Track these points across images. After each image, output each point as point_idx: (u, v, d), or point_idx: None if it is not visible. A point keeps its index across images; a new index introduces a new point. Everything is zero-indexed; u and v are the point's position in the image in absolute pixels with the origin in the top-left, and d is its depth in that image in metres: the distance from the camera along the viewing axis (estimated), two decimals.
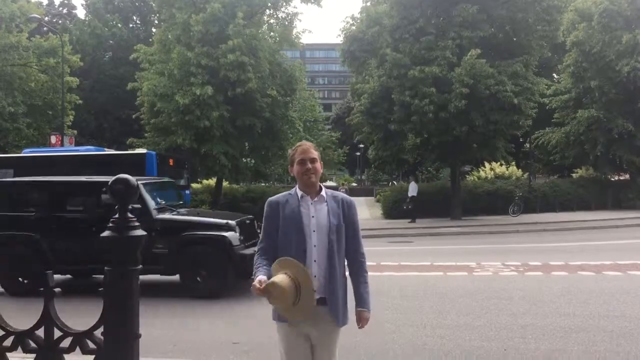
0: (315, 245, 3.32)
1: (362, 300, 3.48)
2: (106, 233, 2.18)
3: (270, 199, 3.50)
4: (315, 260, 3.31)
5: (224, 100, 23.67)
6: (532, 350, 6.13)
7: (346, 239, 3.44)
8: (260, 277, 3.15)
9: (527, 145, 33.15)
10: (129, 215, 2.21)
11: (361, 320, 3.50)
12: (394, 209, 28.02)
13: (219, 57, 23.28)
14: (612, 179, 32.84)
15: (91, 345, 2.22)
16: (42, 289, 2.27)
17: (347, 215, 3.45)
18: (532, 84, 23.90)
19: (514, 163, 33.47)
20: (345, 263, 3.50)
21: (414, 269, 11.75)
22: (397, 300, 8.75)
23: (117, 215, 2.20)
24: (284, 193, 3.52)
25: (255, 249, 3.47)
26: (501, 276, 10.64)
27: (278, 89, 25.30)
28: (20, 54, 30.52)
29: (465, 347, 6.25)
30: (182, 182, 21.90)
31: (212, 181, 29.30)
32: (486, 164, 31.49)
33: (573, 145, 30.99)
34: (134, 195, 2.20)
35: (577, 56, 30.09)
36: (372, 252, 13.35)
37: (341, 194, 3.58)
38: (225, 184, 29.10)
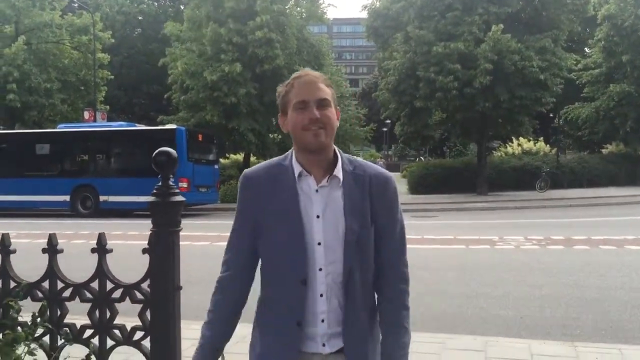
0: (320, 269, 1.90)
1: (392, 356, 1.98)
2: (151, 198, 2.50)
3: (247, 172, 2.05)
4: (321, 295, 1.91)
5: (251, 77, 24.01)
6: (547, 318, 6.38)
7: (379, 249, 1.98)
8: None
9: (556, 121, 32.90)
10: (171, 183, 2.52)
11: None
12: (420, 184, 28.20)
13: (247, 34, 23.55)
14: None
15: (139, 295, 2.54)
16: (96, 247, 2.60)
17: (380, 207, 1.97)
18: (560, 59, 23.74)
19: (541, 139, 33.29)
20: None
21: (436, 242, 12.01)
22: (418, 271, 9.00)
23: (160, 184, 2.51)
24: (271, 162, 2.05)
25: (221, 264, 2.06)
26: (522, 249, 10.85)
27: (305, 64, 25.51)
28: (53, 32, 31.13)
29: (483, 315, 6.52)
30: (211, 157, 22.39)
31: (239, 156, 29.78)
32: (513, 140, 31.39)
33: (603, 120, 30.72)
34: (175, 166, 2.51)
35: (609, 30, 29.65)
36: None
37: (370, 167, 2.02)
38: (252, 159, 29.56)
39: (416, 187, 28.50)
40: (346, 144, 31.50)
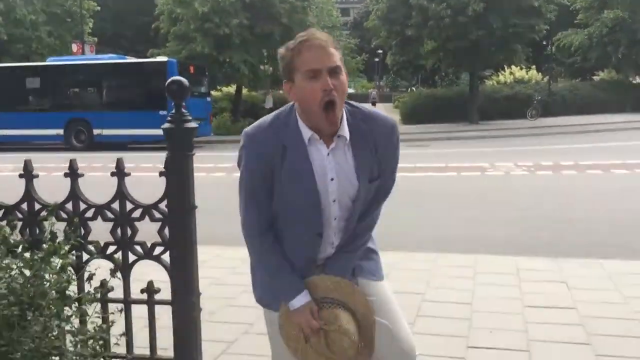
0: (335, 218, 2.02)
1: (335, 268, 2.07)
2: (166, 125, 2.68)
3: (250, 132, 1.99)
4: (335, 234, 2.06)
5: (242, 7, 23.63)
6: (533, 238, 6.70)
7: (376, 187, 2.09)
8: (307, 301, 1.98)
9: (549, 48, 32.73)
10: (184, 110, 2.69)
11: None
12: (412, 115, 28.31)
13: None
14: (634, 82, 32.55)
15: (157, 215, 2.76)
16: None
17: (386, 156, 2.05)
18: None
19: (534, 67, 33.22)
20: None
21: (428, 170, 12.28)
22: (411, 197, 9.29)
23: (174, 111, 2.68)
24: (270, 119, 2.00)
25: (244, 223, 2.05)
26: (512, 175, 11.16)
27: None
28: None
29: (473, 237, 6.84)
30: (203, 90, 22.32)
31: (231, 88, 29.64)
32: (506, 69, 31.32)
33: (595, 47, 30.61)
34: (187, 93, 2.67)
35: None
36: None
37: (373, 118, 2.03)
38: (244, 91, 29.43)
39: (408, 118, 28.62)
40: None
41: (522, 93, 28.06)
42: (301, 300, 1.97)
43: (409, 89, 60.73)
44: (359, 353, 2.02)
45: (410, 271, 5.33)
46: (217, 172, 12.19)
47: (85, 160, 14.30)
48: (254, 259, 2.10)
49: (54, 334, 1.99)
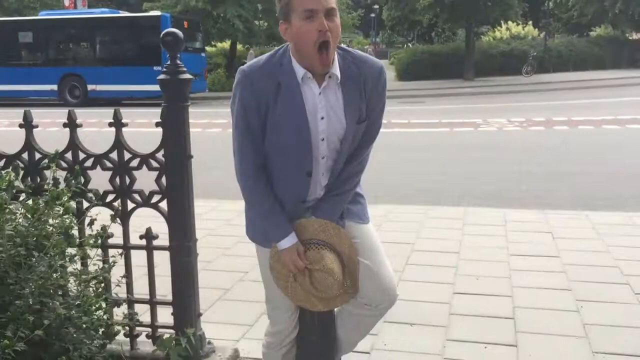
0: (323, 157, 2.11)
1: (323, 209, 2.17)
2: (161, 76, 2.75)
3: (246, 70, 2.05)
4: (323, 174, 2.14)
5: None
6: (523, 191, 6.85)
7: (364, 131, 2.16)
8: (295, 242, 2.10)
9: (546, 3, 32.39)
10: (178, 62, 2.76)
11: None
12: (408, 71, 28.18)
13: None
14: (630, 38, 32.37)
15: (154, 164, 2.85)
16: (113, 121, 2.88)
17: (373, 97, 2.11)
18: None
19: (530, 23, 32.93)
20: None
21: (422, 126, 12.36)
22: (403, 152, 9.43)
23: (169, 62, 2.75)
24: (266, 58, 2.08)
25: (239, 162, 2.11)
26: (505, 131, 11.26)
27: None
28: None
29: (463, 190, 6.98)
30: (197, 45, 22.12)
31: (226, 44, 29.35)
32: (502, 25, 31.05)
33: (593, 2, 30.31)
34: (181, 45, 2.74)
35: None
36: None
37: (362, 60, 2.10)
38: (239, 46, 29.15)
39: (404, 74, 28.49)
40: None
41: (518, 49, 27.91)
42: (289, 241, 2.08)
43: (405, 46, 60.30)
44: (344, 292, 2.16)
45: (401, 223, 5.48)
46: (213, 128, 12.24)
47: (80, 116, 14.28)
48: (247, 200, 2.18)
49: (59, 273, 2.11)
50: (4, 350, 1.66)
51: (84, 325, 2.02)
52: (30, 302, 1.87)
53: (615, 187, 6.87)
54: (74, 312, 2.02)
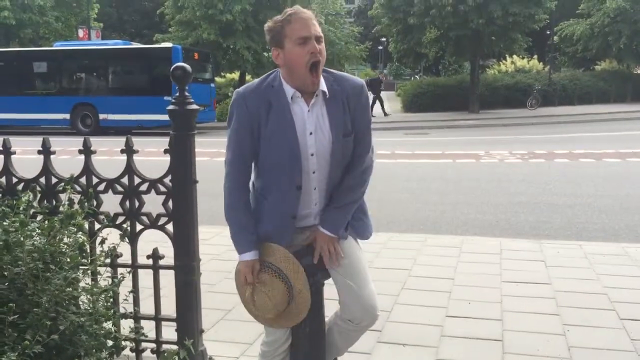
0: (314, 172, 2.30)
1: (328, 221, 2.39)
2: (170, 107, 2.98)
3: (240, 91, 2.34)
4: (315, 188, 2.34)
5: None
6: (521, 221, 7.01)
7: (354, 145, 2.37)
8: (253, 259, 2.36)
9: (552, 38, 32.81)
10: (186, 94, 2.99)
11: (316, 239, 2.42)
12: (414, 103, 28.53)
13: None
14: (634, 72, 32.68)
15: (162, 188, 3.06)
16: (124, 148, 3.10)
17: (356, 113, 2.33)
18: None
19: (535, 57, 33.34)
20: None
21: (425, 157, 12.57)
22: (406, 182, 9.63)
23: (177, 94, 2.98)
24: (258, 81, 2.35)
25: (228, 173, 2.38)
26: (506, 163, 11.45)
27: None
28: None
29: (462, 219, 7.16)
30: (207, 76, 22.56)
31: (235, 75, 29.86)
32: (507, 58, 31.45)
33: (597, 37, 30.68)
34: (189, 78, 2.97)
35: None
36: (387, 142, 14.21)
37: (344, 79, 2.36)
38: (248, 77, 29.65)
39: (410, 106, 28.83)
40: (341, 62, 31.48)
41: (523, 82, 28.25)
42: (249, 256, 2.36)
43: (412, 78, 60.94)
44: (282, 318, 2.39)
45: (400, 250, 5.65)
46: (221, 157, 12.32)
47: (92, 144, 14.61)
48: (228, 210, 2.40)
49: (73, 285, 2.31)
50: (24, 350, 1.85)
51: (96, 333, 2.20)
52: (47, 310, 2.07)
53: (611, 218, 7.02)
54: (85, 319, 2.21)
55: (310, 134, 2.27)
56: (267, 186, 2.38)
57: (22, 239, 2.19)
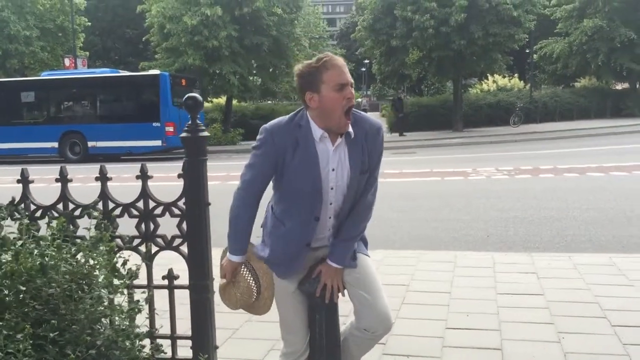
0: (331, 203, 2.50)
1: (335, 254, 2.58)
2: (183, 134, 3.14)
3: (269, 128, 2.48)
4: (330, 217, 2.54)
5: (231, 20, 24.17)
6: (511, 235, 7.22)
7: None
8: (239, 262, 2.66)
9: (532, 56, 33.49)
10: (198, 121, 3.16)
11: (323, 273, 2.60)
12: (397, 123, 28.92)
13: None
14: (613, 88, 33.39)
15: (176, 211, 3.21)
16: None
17: (372, 153, 2.51)
18: None
19: (516, 75, 33.97)
20: None
21: (414, 176, 12.81)
22: (397, 201, 9.81)
23: (190, 122, 3.15)
24: (286, 120, 2.48)
25: (243, 188, 2.57)
26: (493, 179, 11.71)
27: (283, 6, 25.63)
28: None
29: (454, 236, 7.34)
30: None
31: (222, 100, 30.09)
32: (489, 77, 32.01)
33: (575, 55, 31.39)
34: (201, 107, 3.14)
35: None
36: None
37: (364, 120, 2.53)
38: (234, 102, 29.88)
39: (394, 126, 29.17)
40: None
41: (505, 101, 28.79)
42: (237, 259, 2.64)
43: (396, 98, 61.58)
44: (246, 308, 2.80)
45: (396, 266, 5.82)
46: (211, 181, 12.55)
47: (82, 172, 14.69)
48: (233, 217, 2.61)
49: (105, 304, 2.45)
50: None
51: (128, 348, 2.35)
52: (84, 327, 2.21)
53: (597, 230, 7.24)
54: (119, 334, 2.35)
55: (333, 170, 2.44)
56: (286, 213, 2.55)
57: (57, 262, 2.34)
